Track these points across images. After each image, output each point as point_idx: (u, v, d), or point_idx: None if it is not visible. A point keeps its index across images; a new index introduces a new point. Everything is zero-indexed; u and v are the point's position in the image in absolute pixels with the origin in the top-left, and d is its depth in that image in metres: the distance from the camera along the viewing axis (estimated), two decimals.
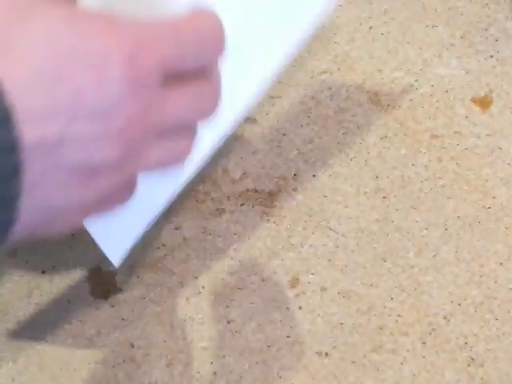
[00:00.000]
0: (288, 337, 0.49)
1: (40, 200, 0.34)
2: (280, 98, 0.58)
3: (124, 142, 0.36)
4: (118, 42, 0.35)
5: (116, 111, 0.35)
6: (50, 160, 0.33)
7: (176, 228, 0.53)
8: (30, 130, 0.32)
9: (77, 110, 0.34)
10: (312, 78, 0.59)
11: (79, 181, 0.35)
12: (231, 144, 0.56)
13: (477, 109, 0.58)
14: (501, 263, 0.51)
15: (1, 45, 0.32)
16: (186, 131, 0.40)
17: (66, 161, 0.34)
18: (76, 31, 0.34)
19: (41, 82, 0.33)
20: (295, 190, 0.55)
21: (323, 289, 0.51)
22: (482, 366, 0.48)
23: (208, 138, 0.44)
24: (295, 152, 0.56)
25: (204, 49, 0.39)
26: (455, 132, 0.57)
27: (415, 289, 0.50)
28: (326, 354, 0.48)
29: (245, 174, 0.50)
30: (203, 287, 0.51)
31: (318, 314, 0.50)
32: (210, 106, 0.40)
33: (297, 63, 0.58)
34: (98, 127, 0.34)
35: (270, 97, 0.57)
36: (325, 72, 0.59)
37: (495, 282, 0.51)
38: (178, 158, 0.41)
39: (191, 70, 0.39)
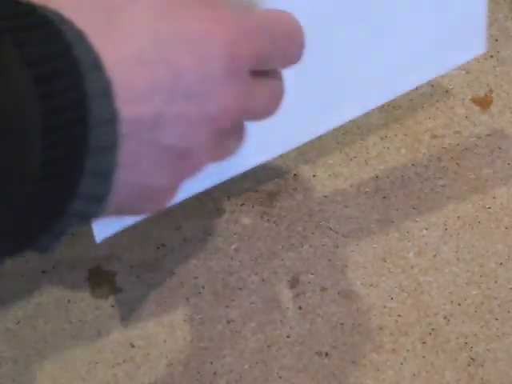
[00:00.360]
0: (288, 337, 0.49)
1: (132, 178, 0.34)
2: None
3: (217, 128, 0.36)
4: (220, 28, 0.35)
5: (213, 95, 0.35)
6: (145, 138, 0.34)
7: (176, 228, 0.53)
8: (128, 106, 0.32)
9: (175, 91, 0.34)
10: None
11: (171, 162, 0.35)
12: None
13: (477, 109, 0.58)
14: (501, 263, 0.51)
15: (101, 21, 0.32)
16: (243, 128, 0.41)
17: (159, 141, 0.34)
18: (177, 13, 0.34)
19: (141, 62, 0.33)
20: (295, 190, 0.55)
21: (323, 289, 0.51)
22: (482, 365, 0.47)
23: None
24: (295, 152, 0.56)
25: (289, 53, 0.39)
26: (455, 132, 0.57)
27: (415, 289, 0.50)
28: (326, 354, 0.48)
29: (245, 174, 0.50)
30: (203, 287, 0.51)
31: (318, 314, 0.50)
32: (275, 106, 0.40)
33: None
34: (193, 110, 0.35)
35: None
36: None
37: (495, 282, 0.51)
38: (231, 154, 0.41)
39: (271, 68, 0.39)
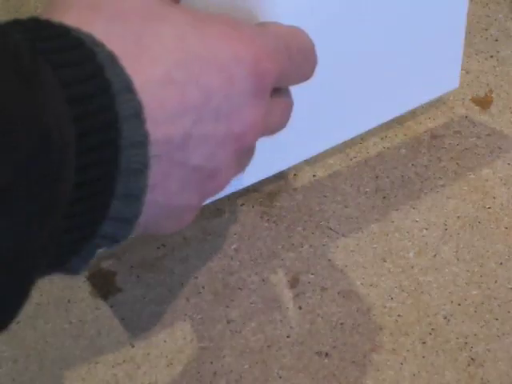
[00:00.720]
0: (288, 337, 0.49)
1: (161, 198, 0.34)
2: None
3: (242, 146, 0.36)
4: (245, 47, 0.35)
5: (240, 115, 0.35)
6: (175, 159, 0.34)
7: None
8: (158, 127, 0.33)
9: (204, 111, 0.34)
10: None
11: (198, 182, 0.36)
12: None
13: (477, 109, 0.58)
14: (501, 263, 0.51)
15: (131, 43, 0.33)
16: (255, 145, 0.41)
17: (188, 161, 0.34)
18: (203, 35, 0.35)
19: (171, 83, 0.33)
20: (295, 190, 0.55)
21: (323, 289, 0.51)
22: (482, 365, 0.47)
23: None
24: None
25: (305, 69, 0.40)
26: (455, 132, 0.57)
27: (415, 289, 0.50)
28: (326, 354, 0.48)
29: None
30: (203, 287, 0.51)
31: (318, 314, 0.50)
32: (286, 122, 0.41)
33: None
34: (221, 130, 0.35)
35: None
36: None
37: (495, 282, 0.50)
38: (244, 170, 0.41)
39: (287, 85, 0.40)
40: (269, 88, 0.37)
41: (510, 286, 0.50)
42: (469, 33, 0.61)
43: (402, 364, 0.48)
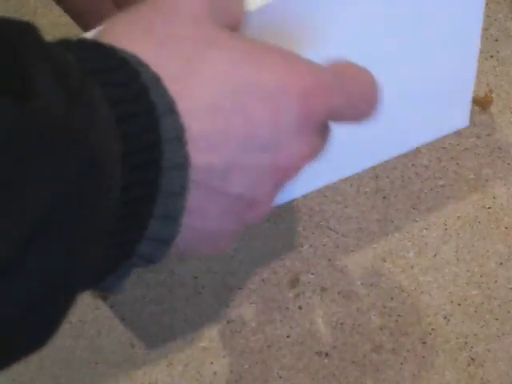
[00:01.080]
0: (288, 337, 0.49)
1: (198, 224, 0.34)
2: None
3: (284, 179, 0.36)
4: (295, 81, 0.35)
5: (284, 148, 0.35)
6: (215, 186, 0.34)
7: None
8: (201, 154, 0.32)
9: (248, 142, 0.34)
10: None
11: (237, 211, 0.35)
12: None
13: (477, 109, 0.58)
14: (501, 263, 0.51)
15: (180, 67, 0.33)
16: None
17: (228, 189, 0.34)
18: (253, 63, 0.34)
19: (217, 110, 0.33)
20: None
21: (323, 289, 0.51)
22: (482, 365, 0.47)
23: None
24: None
25: (361, 112, 0.39)
26: (455, 132, 0.57)
27: (415, 289, 0.50)
28: (326, 354, 0.48)
29: None
30: (203, 287, 0.51)
31: (318, 314, 0.50)
32: (321, 153, 0.40)
33: None
34: (264, 162, 0.35)
35: None
36: None
37: (495, 282, 0.50)
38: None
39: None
40: (317, 125, 0.36)
41: (510, 286, 0.50)
42: None
43: (402, 364, 0.48)
